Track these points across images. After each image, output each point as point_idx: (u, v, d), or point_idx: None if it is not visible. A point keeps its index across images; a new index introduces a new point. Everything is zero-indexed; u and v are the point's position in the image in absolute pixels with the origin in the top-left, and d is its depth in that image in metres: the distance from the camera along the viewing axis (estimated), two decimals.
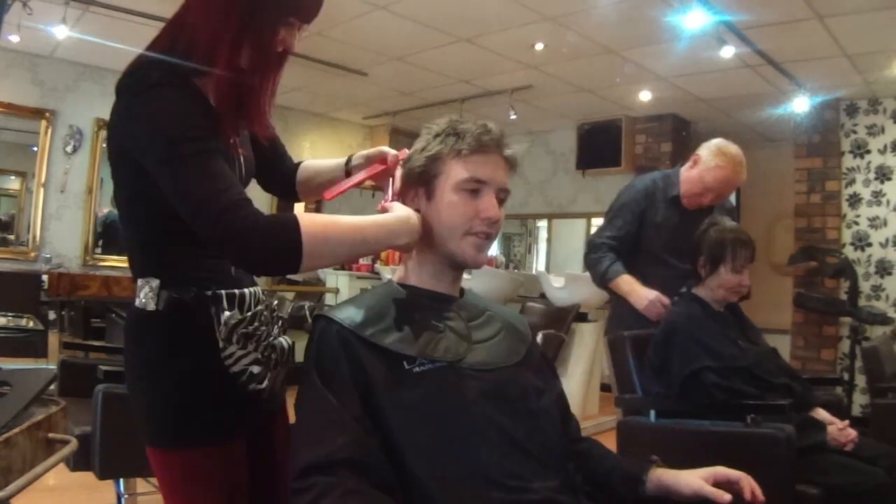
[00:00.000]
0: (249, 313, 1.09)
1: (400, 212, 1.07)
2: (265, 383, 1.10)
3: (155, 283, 1.06)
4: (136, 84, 1.00)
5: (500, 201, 1.13)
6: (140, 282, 1.08)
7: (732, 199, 6.28)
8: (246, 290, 1.11)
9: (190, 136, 0.96)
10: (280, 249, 0.93)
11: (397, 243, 1.05)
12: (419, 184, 1.13)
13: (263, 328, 1.12)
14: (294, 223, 0.93)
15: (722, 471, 1.08)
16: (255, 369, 1.09)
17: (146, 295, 1.06)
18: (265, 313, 1.14)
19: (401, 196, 1.16)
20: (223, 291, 1.07)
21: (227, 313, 1.06)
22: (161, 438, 1.07)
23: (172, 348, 1.06)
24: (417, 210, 1.12)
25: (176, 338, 1.06)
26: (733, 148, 2.38)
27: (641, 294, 2.28)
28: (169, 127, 0.96)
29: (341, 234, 0.99)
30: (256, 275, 1.11)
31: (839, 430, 1.86)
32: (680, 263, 2.30)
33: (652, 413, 1.95)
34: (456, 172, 1.09)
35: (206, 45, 1.01)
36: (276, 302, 1.15)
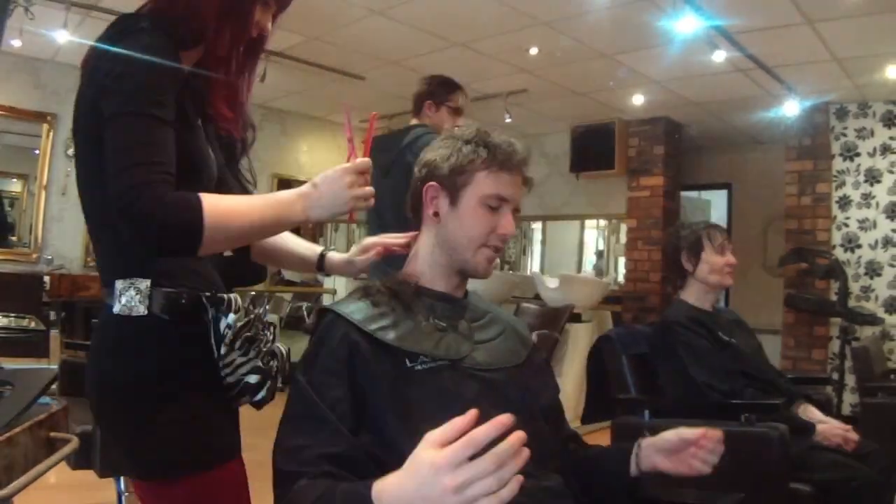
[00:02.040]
0: (252, 315, 1.03)
1: (305, 188, 1.01)
2: (261, 394, 1.03)
3: (143, 283, 0.96)
4: (121, 24, 0.97)
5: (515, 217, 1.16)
6: (121, 284, 0.97)
7: (724, 201, 6.35)
8: (232, 295, 1.04)
9: (153, 98, 0.91)
10: (179, 234, 0.89)
11: (293, 220, 1.00)
12: (443, 187, 1.13)
13: (263, 333, 1.06)
14: (197, 205, 0.89)
15: (685, 430, 1.12)
16: (252, 379, 1.02)
17: (132, 298, 0.96)
18: (260, 317, 1.09)
19: (423, 196, 1.14)
20: (222, 294, 1.02)
21: (231, 316, 1.00)
22: (162, 468, 0.97)
23: (171, 359, 0.98)
24: (436, 213, 1.13)
25: (174, 346, 0.98)
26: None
27: None
28: (138, 74, 0.91)
29: (240, 220, 0.94)
30: (152, 255, 0.99)
31: (837, 433, 1.86)
32: None
33: (646, 412, 1.96)
34: (484, 186, 1.10)
35: (193, 19, 0.98)
36: (264, 308, 1.08)
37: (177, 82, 0.96)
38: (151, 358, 0.98)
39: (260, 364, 1.03)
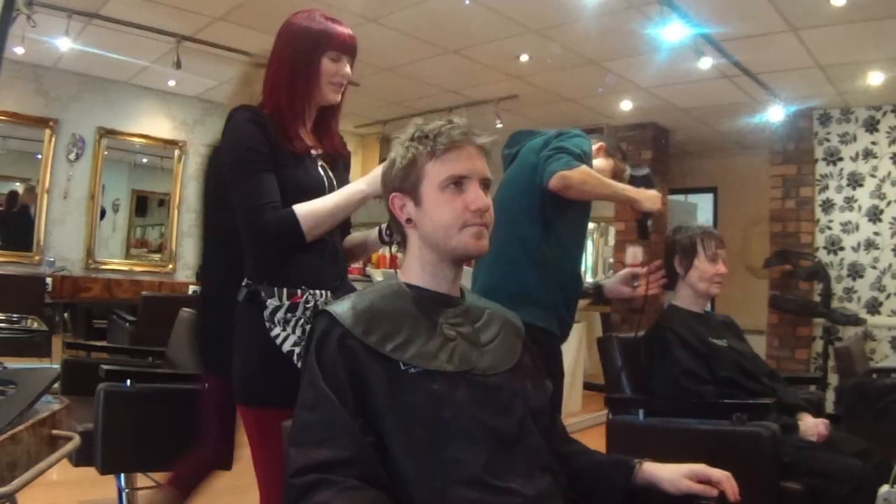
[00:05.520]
0: (288, 302, 1.34)
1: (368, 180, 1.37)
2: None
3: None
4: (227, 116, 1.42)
5: (486, 189, 1.13)
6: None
7: (710, 204, 6.40)
8: (310, 291, 1.37)
9: (245, 157, 1.35)
10: (289, 236, 1.33)
11: (365, 194, 1.36)
12: (404, 193, 1.13)
13: (303, 318, 1.36)
14: (290, 212, 1.33)
15: (704, 469, 1.09)
16: (298, 350, 1.33)
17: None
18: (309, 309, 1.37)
19: (393, 210, 1.17)
20: (276, 288, 1.34)
21: (270, 300, 1.34)
22: (238, 396, 1.39)
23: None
24: (409, 220, 1.14)
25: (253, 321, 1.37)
26: None
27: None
28: (234, 148, 1.37)
29: (324, 210, 1.37)
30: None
31: (811, 426, 1.88)
32: None
33: (640, 412, 1.96)
34: (435, 173, 1.09)
35: (267, 89, 1.43)
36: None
37: (264, 142, 1.36)
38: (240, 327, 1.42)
39: (297, 339, 1.35)
